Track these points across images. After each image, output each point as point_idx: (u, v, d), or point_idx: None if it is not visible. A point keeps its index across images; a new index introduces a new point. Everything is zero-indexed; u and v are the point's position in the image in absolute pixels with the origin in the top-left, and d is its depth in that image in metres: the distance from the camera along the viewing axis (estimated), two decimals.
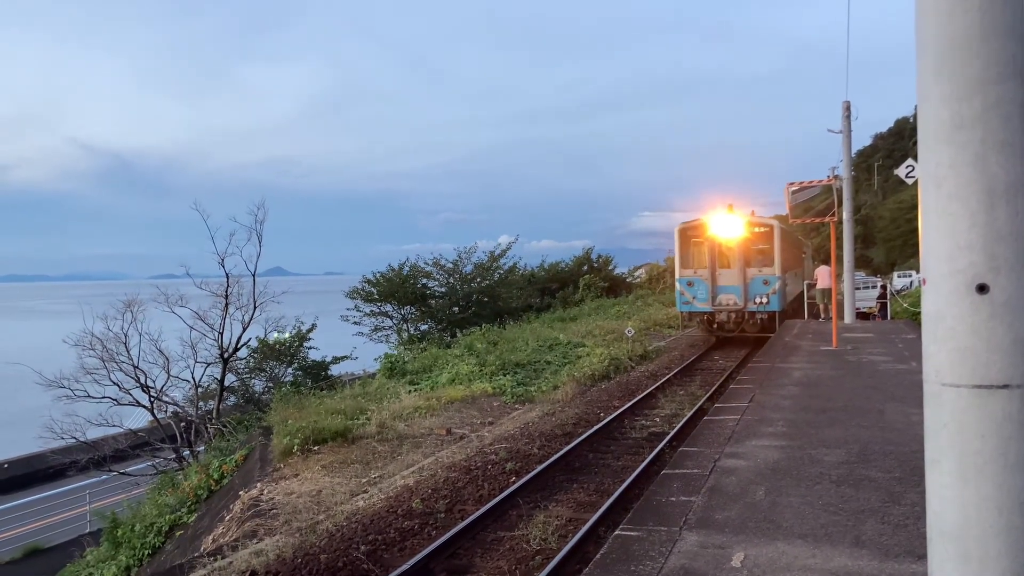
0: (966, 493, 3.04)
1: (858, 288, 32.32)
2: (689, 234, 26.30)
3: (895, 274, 53.62)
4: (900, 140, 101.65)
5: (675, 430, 13.75)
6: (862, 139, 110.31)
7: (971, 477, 3.02)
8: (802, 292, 34.08)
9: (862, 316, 31.00)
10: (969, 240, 2.98)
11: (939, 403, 3.11)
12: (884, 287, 37.73)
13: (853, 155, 31.66)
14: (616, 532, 6.52)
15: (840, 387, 12.97)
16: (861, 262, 63.11)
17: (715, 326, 26.47)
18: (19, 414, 39.69)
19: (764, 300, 24.88)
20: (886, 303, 34.28)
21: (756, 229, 25.69)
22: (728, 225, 25.31)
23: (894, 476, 7.59)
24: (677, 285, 26.34)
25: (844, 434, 9.50)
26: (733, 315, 25.62)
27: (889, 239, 79.11)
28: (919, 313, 3.37)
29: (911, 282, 45.86)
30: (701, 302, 25.59)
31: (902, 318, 28.89)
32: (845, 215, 26.34)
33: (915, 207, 3.30)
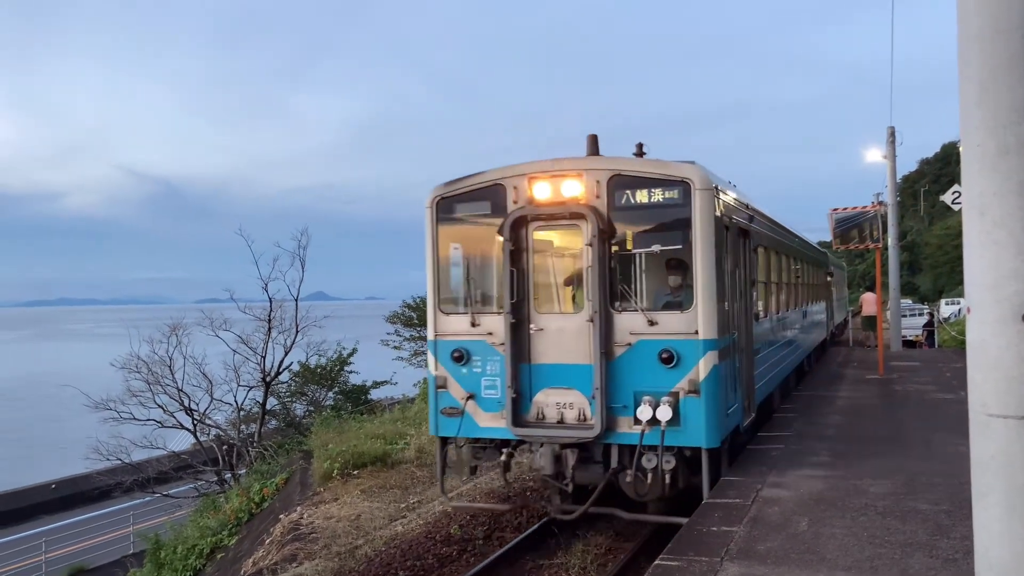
0: (1015, 527, 2.97)
1: (904, 316, 31.75)
2: (462, 213, 9.93)
3: (943, 301, 52.55)
4: (947, 165, 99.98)
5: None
6: (907, 164, 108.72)
7: (1020, 511, 2.96)
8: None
9: (908, 344, 30.42)
10: (1014, 268, 2.94)
11: (986, 434, 3.05)
12: (931, 315, 37.04)
13: (898, 180, 31.25)
14: (656, 562, 6.44)
15: (886, 416, 12.72)
16: (907, 289, 61.98)
17: (537, 479, 11.70)
18: (67, 435, 40.50)
19: (664, 414, 8.39)
20: (933, 331, 33.63)
21: (642, 194, 8.90)
22: (563, 187, 9.14)
23: (942, 508, 7.41)
24: (428, 360, 10.03)
25: (890, 464, 9.31)
26: (571, 455, 8.93)
27: (936, 266, 77.75)
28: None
29: (959, 310, 44.85)
30: (488, 412, 9.37)
31: (950, 347, 28.27)
32: (891, 242, 25.97)
33: (962, 233, 3.27)
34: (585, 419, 8.79)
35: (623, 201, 8.76)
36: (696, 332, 8.34)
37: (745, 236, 10.43)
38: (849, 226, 19.64)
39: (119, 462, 25.90)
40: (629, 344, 8.59)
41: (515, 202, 9.09)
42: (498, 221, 9.15)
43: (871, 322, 26.63)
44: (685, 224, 8.53)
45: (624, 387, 8.59)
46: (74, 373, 37.14)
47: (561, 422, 8.89)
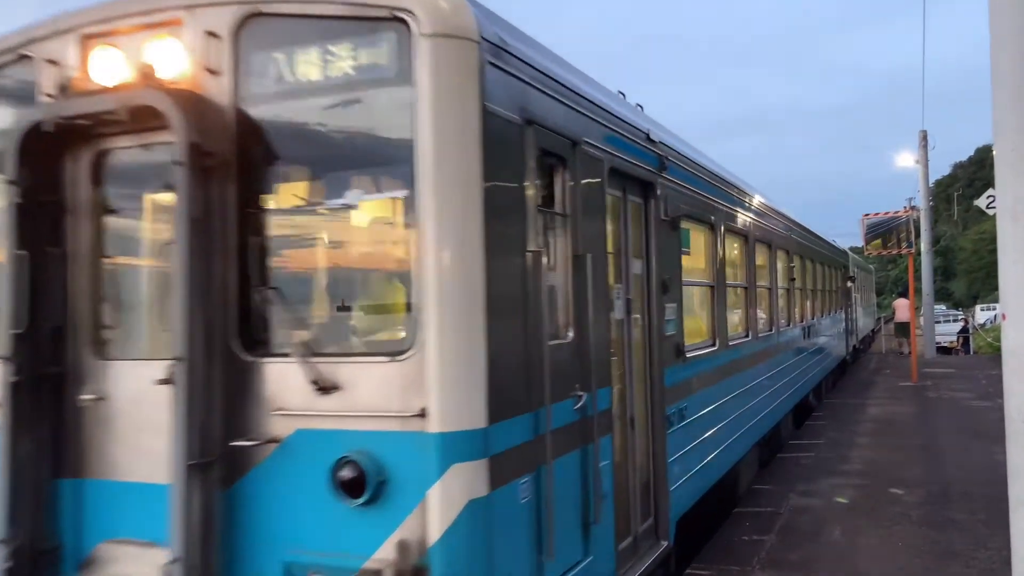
0: None
1: (938, 322, 31.32)
2: None
3: (978, 307, 51.80)
4: (981, 169, 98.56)
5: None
6: (941, 168, 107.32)
7: None
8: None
9: (943, 351, 30.01)
10: None
11: (1022, 443, 3.01)
12: (966, 320, 36.54)
13: (931, 185, 30.88)
14: (687, 570, 6.40)
15: (920, 424, 12.56)
16: (941, 295, 61.16)
17: None
18: None
19: None
20: (968, 337, 33.18)
21: (309, 61, 3.68)
22: (145, 53, 3.85)
23: (979, 518, 7.29)
24: None
25: (924, 473, 9.18)
26: None
27: (971, 271, 76.70)
28: None
29: (995, 315, 44.19)
30: None
31: (986, 353, 27.86)
32: (924, 247, 25.63)
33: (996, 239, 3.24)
34: None
35: (272, 79, 3.80)
36: (422, 413, 3.42)
37: (646, 194, 5.79)
38: (881, 231, 19.46)
39: None
40: (275, 441, 3.67)
41: (49, 94, 4.07)
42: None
43: (904, 328, 26.31)
44: (408, 132, 3.54)
45: (259, 549, 3.69)
46: None
47: None
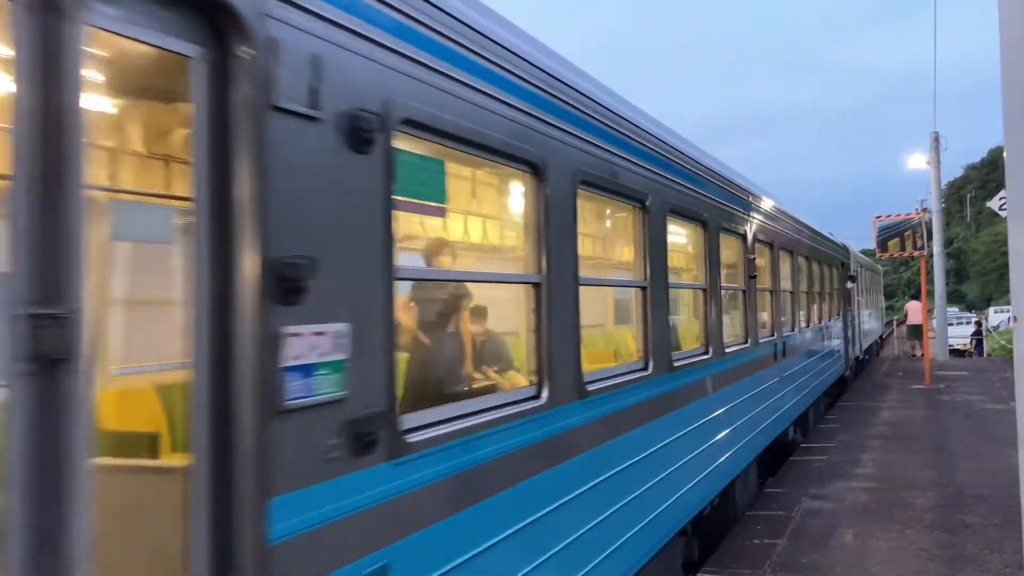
0: None
1: (951, 324, 31.15)
2: None
3: (991, 309, 51.50)
4: (994, 170, 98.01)
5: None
6: (953, 170, 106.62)
7: None
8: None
9: (956, 353, 29.84)
10: None
11: None
12: (979, 323, 36.35)
13: (943, 187, 30.74)
14: (698, 575, 6.39)
15: (933, 427, 12.49)
16: (954, 297, 60.84)
17: None
18: None
19: None
20: (982, 340, 33.00)
21: None
22: None
23: (993, 522, 7.25)
24: None
25: (937, 476, 9.13)
26: None
27: (984, 273, 76.42)
28: None
29: (1008, 318, 43.93)
30: None
31: (999, 355, 27.68)
32: (936, 249, 25.51)
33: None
34: None
35: None
36: None
37: (220, 36, 2.16)
38: (893, 233, 19.38)
39: None
40: None
41: None
42: None
43: (917, 331, 26.18)
44: None
45: None
46: None
47: None
